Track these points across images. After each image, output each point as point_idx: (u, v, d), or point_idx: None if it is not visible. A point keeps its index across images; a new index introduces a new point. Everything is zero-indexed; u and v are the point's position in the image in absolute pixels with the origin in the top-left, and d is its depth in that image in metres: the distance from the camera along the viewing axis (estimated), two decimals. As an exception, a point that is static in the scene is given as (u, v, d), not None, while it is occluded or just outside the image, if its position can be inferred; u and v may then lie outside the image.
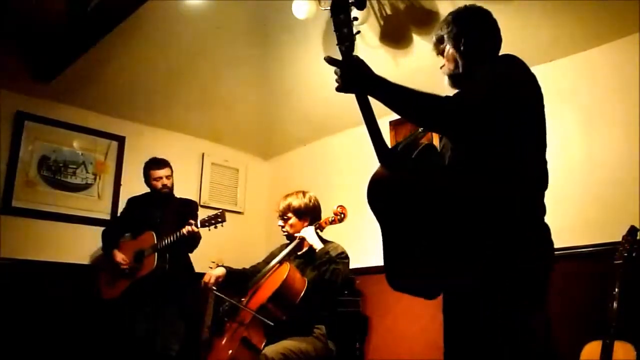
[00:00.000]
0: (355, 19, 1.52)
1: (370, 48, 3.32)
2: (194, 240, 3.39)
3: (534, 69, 3.29)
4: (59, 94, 3.80)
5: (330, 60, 1.48)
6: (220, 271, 2.92)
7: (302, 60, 3.85)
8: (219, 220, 3.23)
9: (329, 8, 3.20)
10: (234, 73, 4.02)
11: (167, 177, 3.57)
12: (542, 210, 1.48)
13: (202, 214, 3.81)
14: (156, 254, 3.32)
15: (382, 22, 3.27)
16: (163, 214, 3.52)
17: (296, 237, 2.85)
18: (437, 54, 1.73)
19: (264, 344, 2.52)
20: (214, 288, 2.84)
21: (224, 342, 2.64)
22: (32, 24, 3.21)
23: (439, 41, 1.70)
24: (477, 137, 1.43)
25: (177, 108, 4.24)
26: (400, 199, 1.47)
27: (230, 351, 2.51)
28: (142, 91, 3.97)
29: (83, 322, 3.58)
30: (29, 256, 3.54)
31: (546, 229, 1.48)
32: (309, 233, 2.81)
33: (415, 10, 3.12)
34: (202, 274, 3.15)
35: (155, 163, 3.59)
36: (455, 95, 1.50)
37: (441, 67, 1.71)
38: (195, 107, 4.27)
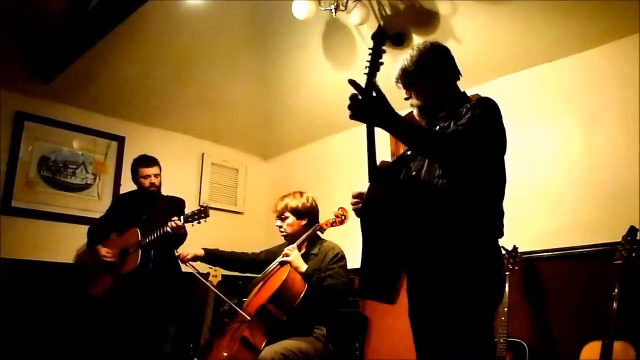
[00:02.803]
0: (384, 52, 1.67)
1: (370, 49, 3.32)
2: (178, 236, 3.33)
3: (533, 70, 3.30)
4: (58, 94, 3.80)
5: (354, 85, 1.56)
6: (199, 250, 3.03)
7: (301, 61, 3.85)
8: (202, 215, 3.16)
9: (329, 9, 3.22)
10: (234, 73, 4.02)
11: (156, 175, 3.51)
12: (500, 233, 1.72)
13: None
14: (140, 251, 3.27)
15: (381, 23, 3.27)
16: (150, 212, 3.46)
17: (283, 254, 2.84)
18: (397, 86, 1.88)
19: (264, 344, 2.52)
20: (190, 263, 2.97)
21: (224, 342, 2.64)
22: (32, 25, 3.21)
23: (404, 74, 1.85)
24: (466, 169, 1.64)
25: (176, 108, 4.24)
26: (385, 216, 1.67)
27: (230, 351, 2.51)
28: (142, 91, 3.97)
29: (83, 323, 3.58)
30: (29, 256, 3.54)
31: (499, 251, 1.75)
32: (292, 256, 2.75)
33: (415, 11, 3.12)
34: (188, 274, 3.13)
35: (144, 160, 3.53)
36: (457, 134, 1.64)
37: (406, 99, 1.87)
38: (195, 107, 4.27)
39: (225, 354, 2.53)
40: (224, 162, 4.80)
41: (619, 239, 2.50)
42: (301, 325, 2.64)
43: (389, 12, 3.20)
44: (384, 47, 1.66)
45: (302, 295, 2.59)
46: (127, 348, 3.20)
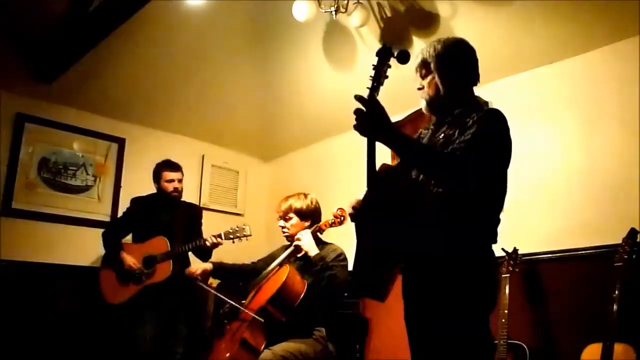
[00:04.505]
0: (389, 66, 1.67)
1: (370, 50, 3.33)
2: (210, 251, 3.37)
3: (533, 72, 3.29)
4: (59, 96, 3.80)
5: (360, 100, 1.57)
6: (207, 265, 3.02)
7: (302, 62, 3.85)
8: (245, 234, 3.23)
9: (329, 10, 3.22)
10: (234, 75, 4.02)
11: (179, 180, 3.50)
12: (494, 239, 1.72)
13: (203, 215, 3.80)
14: (171, 261, 3.27)
15: (382, 24, 3.27)
16: (171, 219, 3.46)
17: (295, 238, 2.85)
18: (416, 75, 1.85)
19: (263, 345, 2.51)
20: (199, 279, 2.94)
21: (223, 343, 2.64)
22: (33, 26, 3.22)
23: (423, 65, 1.82)
24: (465, 187, 1.62)
25: (177, 110, 4.24)
26: (379, 218, 1.69)
27: (230, 353, 2.51)
28: (143, 93, 3.97)
29: (84, 324, 3.58)
30: (29, 258, 3.54)
31: (492, 256, 1.73)
32: (304, 239, 2.78)
33: (415, 12, 3.12)
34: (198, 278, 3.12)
35: (170, 165, 3.51)
36: (458, 156, 1.62)
37: (419, 89, 1.84)
38: (196, 109, 4.27)
39: (224, 356, 2.53)
40: (224, 164, 4.80)
41: (620, 241, 2.49)
42: (301, 327, 2.63)
43: (389, 14, 3.20)
44: (389, 63, 1.66)
45: (302, 296, 2.59)
46: (140, 353, 3.19)
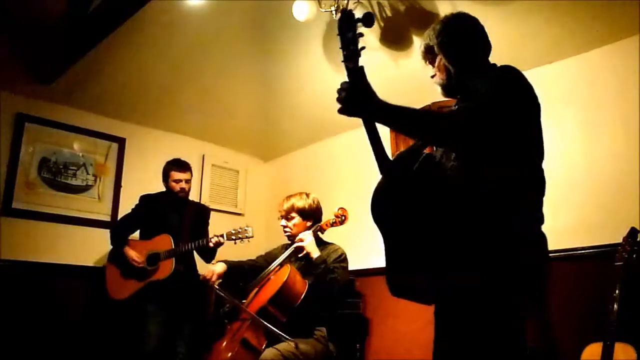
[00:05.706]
0: (361, 35, 1.55)
1: (370, 50, 3.32)
2: (214, 251, 3.38)
3: (533, 71, 3.30)
4: (59, 96, 3.81)
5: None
6: (221, 267, 2.92)
7: (302, 62, 3.85)
8: (247, 235, 3.24)
9: (329, 10, 3.23)
10: (234, 75, 4.02)
11: (187, 181, 3.51)
12: (540, 220, 1.52)
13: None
14: (174, 259, 3.29)
15: (382, 24, 3.27)
16: (179, 218, 3.48)
17: (297, 239, 2.85)
18: (426, 63, 1.75)
19: (264, 345, 2.52)
20: (216, 287, 2.83)
21: (224, 343, 2.64)
22: (33, 26, 3.22)
23: (428, 51, 1.72)
24: (479, 150, 1.47)
25: (177, 110, 4.24)
26: (403, 209, 1.52)
27: (231, 353, 2.51)
28: (143, 93, 3.97)
29: (84, 324, 3.58)
30: (29, 258, 3.54)
31: (542, 238, 1.51)
32: (307, 240, 2.79)
33: (415, 12, 3.12)
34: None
35: (178, 165, 3.52)
36: (458, 112, 1.52)
37: (432, 77, 1.73)
38: (196, 109, 4.27)
39: (225, 356, 2.53)
40: (225, 164, 4.80)
41: (620, 241, 2.50)
42: (302, 327, 2.63)
43: (389, 13, 3.20)
44: (359, 31, 1.56)
45: (302, 296, 2.59)
46: (139, 350, 3.20)
